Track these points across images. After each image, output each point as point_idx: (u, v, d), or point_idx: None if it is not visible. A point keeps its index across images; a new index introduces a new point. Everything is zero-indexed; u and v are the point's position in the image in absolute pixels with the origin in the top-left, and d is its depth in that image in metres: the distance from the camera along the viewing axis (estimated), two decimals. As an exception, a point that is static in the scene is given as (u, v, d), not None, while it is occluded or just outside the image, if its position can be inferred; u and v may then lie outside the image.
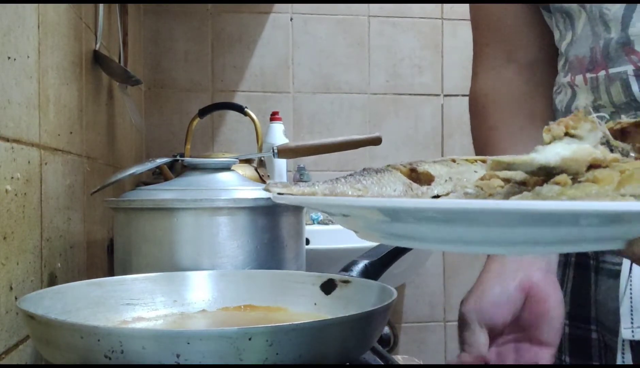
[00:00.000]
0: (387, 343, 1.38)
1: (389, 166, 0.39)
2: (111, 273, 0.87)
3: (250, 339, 0.42)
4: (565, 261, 0.70)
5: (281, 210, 0.76)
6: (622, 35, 0.55)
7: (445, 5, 1.90)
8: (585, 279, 0.67)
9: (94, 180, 0.97)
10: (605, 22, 0.56)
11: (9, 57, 0.62)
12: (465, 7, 2.04)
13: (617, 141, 0.33)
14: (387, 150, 1.85)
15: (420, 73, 1.89)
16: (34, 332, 0.49)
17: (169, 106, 1.77)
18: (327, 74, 1.84)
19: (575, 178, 0.30)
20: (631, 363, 0.60)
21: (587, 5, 0.58)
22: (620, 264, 0.62)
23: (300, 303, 0.66)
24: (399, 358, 1.34)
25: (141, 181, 1.42)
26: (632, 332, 0.59)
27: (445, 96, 1.90)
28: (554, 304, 0.58)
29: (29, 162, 0.67)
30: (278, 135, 1.63)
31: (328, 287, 0.65)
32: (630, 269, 0.60)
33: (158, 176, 1.42)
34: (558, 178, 0.30)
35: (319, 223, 1.75)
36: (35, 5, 0.71)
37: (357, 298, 0.62)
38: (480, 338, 0.56)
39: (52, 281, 0.74)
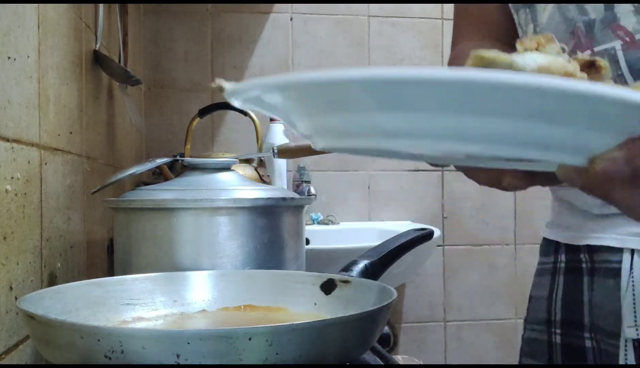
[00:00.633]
0: (387, 343, 1.38)
1: None
2: (111, 273, 0.87)
3: (250, 339, 0.42)
4: (553, 268, 0.69)
5: (281, 210, 0.76)
6: (606, 14, 0.56)
7: (445, 5, 1.90)
8: (577, 284, 0.66)
9: (94, 180, 0.97)
10: (580, 6, 0.57)
11: (9, 57, 0.62)
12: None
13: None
14: (387, 150, 1.85)
15: (420, 73, 1.88)
16: (34, 332, 0.49)
17: (169, 106, 1.77)
18: (327, 74, 1.84)
19: None
20: (634, 363, 0.59)
21: None
22: (619, 262, 0.61)
23: (300, 303, 0.66)
24: (399, 358, 1.34)
25: (141, 181, 1.42)
26: (637, 330, 0.58)
27: (445, 96, 1.90)
28: None
29: (29, 162, 0.67)
30: (278, 135, 1.63)
31: (328, 287, 0.65)
32: (632, 265, 0.59)
33: (158, 176, 1.42)
34: None
35: (319, 223, 1.75)
36: (35, 5, 0.71)
37: (357, 298, 0.62)
38: None
39: (52, 281, 0.74)
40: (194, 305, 0.67)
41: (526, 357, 0.73)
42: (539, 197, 1.95)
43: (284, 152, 0.97)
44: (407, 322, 1.89)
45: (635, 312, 0.58)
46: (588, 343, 0.64)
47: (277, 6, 1.81)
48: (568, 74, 0.31)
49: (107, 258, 1.06)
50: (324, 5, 1.84)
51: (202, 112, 1.46)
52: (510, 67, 0.31)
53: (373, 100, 0.30)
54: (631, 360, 0.59)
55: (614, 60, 0.56)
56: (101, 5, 1.02)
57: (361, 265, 0.74)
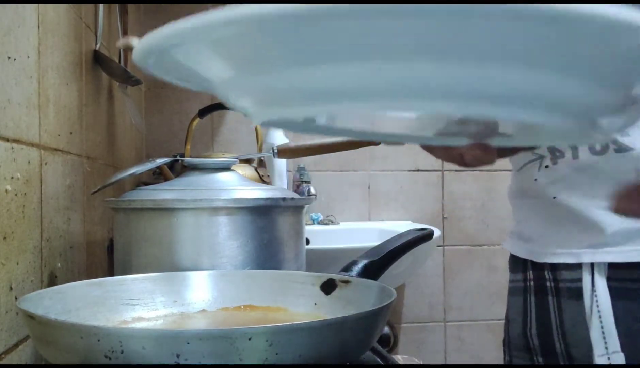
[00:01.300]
0: (387, 343, 1.38)
1: None
2: (111, 273, 0.87)
3: (250, 339, 0.42)
4: (524, 286, 0.64)
5: (281, 210, 0.76)
6: None
7: (445, 5, 1.90)
8: (545, 306, 0.61)
9: (94, 180, 0.97)
10: None
11: (9, 57, 0.62)
12: (465, 7, 2.04)
13: None
14: (387, 150, 1.85)
15: (420, 73, 1.89)
16: (34, 332, 0.49)
17: (169, 106, 1.77)
18: (327, 74, 1.84)
19: None
20: None
21: None
22: (579, 280, 0.56)
23: (300, 303, 0.66)
24: (399, 358, 1.34)
25: (141, 181, 1.42)
26: (608, 357, 0.53)
27: (445, 96, 1.90)
28: None
29: (29, 162, 0.67)
30: (278, 135, 1.63)
31: (328, 287, 0.65)
32: (593, 283, 0.54)
33: (158, 176, 1.42)
34: None
35: (319, 223, 1.75)
36: (35, 5, 0.71)
37: (357, 298, 0.62)
38: None
39: (52, 281, 0.74)
40: (194, 305, 0.67)
41: None
42: (539, 197, 1.95)
43: (284, 152, 0.97)
44: (407, 322, 1.89)
45: (604, 339, 0.54)
46: None
47: (277, 6, 1.81)
48: None
49: (107, 258, 1.06)
50: (324, 5, 1.83)
51: (202, 112, 1.46)
52: None
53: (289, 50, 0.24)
54: None
55: None
56: (101, 5, 1.02)
57: (361, 265, 0.74)
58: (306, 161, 1.75)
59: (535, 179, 0.62)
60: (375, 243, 0.81)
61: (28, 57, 0.67)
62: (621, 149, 0.51)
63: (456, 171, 1.90)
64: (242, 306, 0.67)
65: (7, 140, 0.61)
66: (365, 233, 1.67)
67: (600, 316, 0.53)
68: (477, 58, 0.22)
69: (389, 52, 0.22)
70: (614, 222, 0.53)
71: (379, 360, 0.61)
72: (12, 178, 0.62)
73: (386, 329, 1.36)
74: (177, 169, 1.38)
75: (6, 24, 0.61)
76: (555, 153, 0.57)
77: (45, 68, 0.74)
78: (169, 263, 0.71)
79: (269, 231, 0.74)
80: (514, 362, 0.68)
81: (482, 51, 0.22)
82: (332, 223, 1.76)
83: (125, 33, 1.22)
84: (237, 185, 0.78)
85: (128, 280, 0.66)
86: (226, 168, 0.81)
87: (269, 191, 0.78)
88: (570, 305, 0.58)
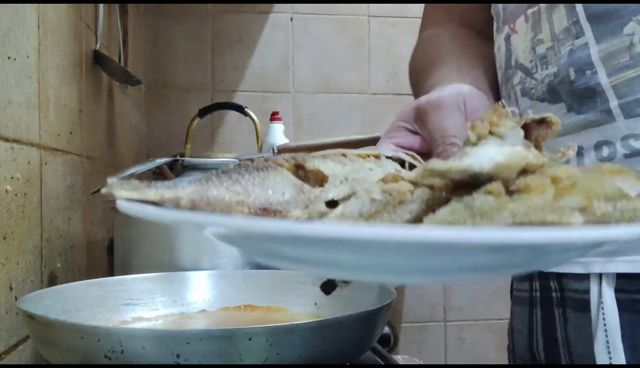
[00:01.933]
0: (387, 343, 1.38)
1: (269, 160, 0.32)
2: (111, 273, 0.87)
3: (250, 339, 0.42)
4: (530, 297, 0.61)
5: (281, 210, 0.76)
6: None
7: (445, 5, 1.90)
8: (551, 318, 0.58)
9: (94, 180, 0.97)
10: None
11: (9, 57, 0.62)
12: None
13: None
14: (387, 150, 1.85)
15: (420, 73, 1.89)
16: (34, 332, 0.49)
17: (169, 106, 1.77)
18: (327, 74, 1.84)
19: (506, 185, 0.27)
20: None
21: None
22: (586, 291, 0.53)
23: (300, 303, 0.66)
24: (399, 358, 1.34)
25: (141, 181, 1.41)
26: None
27: (445, 96, 1.90)
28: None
29: (29, 162, 0.67)
30: (278, 135, 1.63)
31: (328, 287, 0.65)
32: (600, 296, 0.52)
33: (158, 176, 1.42)
34: (491, 187, 0.27)
35: (319, 223, 1.75)
36: (35, 5, 0.71)
37: (357, 298, 0.62)
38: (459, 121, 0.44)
39: (52, 281, 0.74)
40: (194, 305, 0.67)
41: None
42: (539, 197, 1.95)
43: (284, 152, 0.97)
44: (407, 322, 1.89)
45: (609, 353, 0.51)
46: None
47: (277, 6, 1.81)
48: (529, 166, 0.28)
49: (107, 258, 1.06)
50: (324, 5, 1.84)
51: (202, 112, 1.46)
52: (466, 172, 0.27)
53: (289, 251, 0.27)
54: None
55: (569, 7, 0.51)
56: (101, 5, 1.02)
57: (361, 265, 0.73)
58: (306, 161, 1.75)
59: None
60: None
61: (28, 57, 0.67)
62: (632, 153, 0.49)
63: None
64: (242, 306, 0.67)
65: (7, 140, 0.61)
66: (365, 233, 1.67)
67: (606, 330, 0.52)
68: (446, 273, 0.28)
69: (375, 269, 0.27)
70: None
71: (379, 360, 0.61)
72: (12, 178, 0.62)
73: (386, 329, 1.36)
74: (177, 169, 1.38)
75: (6, 24, 0.61)
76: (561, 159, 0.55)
77: (45, 68, 0.74)
78: (169, 263, 0.71)
79: (269, 231, 0.74)
80: None
81: (454, 269, 0.27)
82: (332, 223, 1.76)
83: (125, 33, 1.22)
84: (237, 185, 0.78)
85: (128, 280, 0.66)
86: (226, 168, 0.81)
87: (269, 191, 0.78)
88: (575, 317, 0.55)
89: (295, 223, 0.27)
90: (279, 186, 0.30)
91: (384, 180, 0.31)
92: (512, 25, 0.58)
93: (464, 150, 0.28)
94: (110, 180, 0.27)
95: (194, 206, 0.27)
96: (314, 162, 0.33)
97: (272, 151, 0.94)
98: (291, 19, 1.82)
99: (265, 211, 0.29)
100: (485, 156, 0.27)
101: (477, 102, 0.46)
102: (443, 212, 0.27)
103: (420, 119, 0.45)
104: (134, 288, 0.65)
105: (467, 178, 0.27)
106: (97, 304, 0.62)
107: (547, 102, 0.54)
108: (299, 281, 0.68)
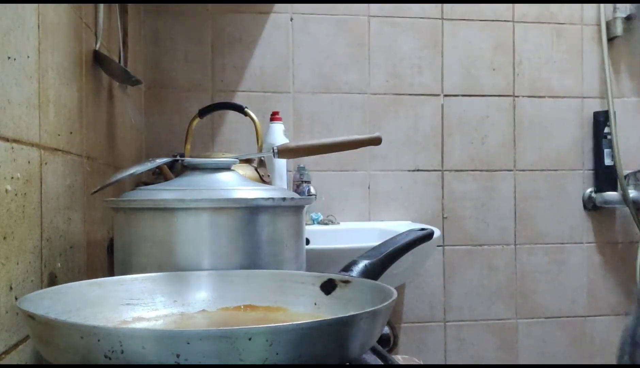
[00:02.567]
0: (387, 343, 1.38)
1: None
2: (111, 273, 0.87)
3: (250, 339, 0.42)
4: None
5: (281, 210, 0.76)
6: None
7: (445, 5, 1.90)
8: None
9: (94, 180, 0.97)
10: None
11: (9, 57, 0.62)
12: (465, 7, 2.04)
13: None
14: (387, 150, 1.85)
15: (420, 73, 1.89)
16: (34, 332, 0.49)
17: (169, 106, 1.77)
18: (327, 74, 1.84)
19: None
20: None
21: None
22: None
23: (300, 303, 0.66)
24: (399, 358, 1.34)
25: (141, 181, 1.42)
26: None
27: (445, 96, 1.90)
28: None
29: (29, 162, 0.67)
30: (278, 135, 1.63)
31: (328, 287, 0.65)
32: None
33: (158, 176, 1.42)
34: None
35: (319, 223, 1.75)
36: (35, 5, 0.71)
37: (357, 298, 0.62)
38: None
39: (52, 281, 0.74)
40: (194, 305, 0.67)
41: None
42: (539, 198, 1.95)
43: (284, 152, 0.97)
44: (407, 322, 1.89)
45: None
46: None
47: (277, 6, 1.81)
48: None
49: (107, 258, 1.06)
50: (324, 5, 1.84)
51: (202, 112, 1.46)
52: None
53: None
54: None
55: None
56: (101, 5, 1.02)
57: (361, 265, 0.73)
58: (306, 161, 1.75)
59: None
60: (375, 243, 0.81)
61: (28, 57, 0.67)
62: None
63: (456, 171, 1.90)
64: (242, 306, 0.67)
65: (7, 140, 0.61)
66: (365, 233, 1.67)
67: None
68: None
69: None
70: None
71: (379, 360, 0.61)
72: (12, 178, 0.62)
73: (386, 329, 1.36)
74: (177, 169, 1.38)
75: (6, 24, 0.61)
76: None
77: (45, 68, 0.74)
78: (169, 263, 0.71)
79: (269, 231, 0.74)
80: None
81: None
82: (332, 223, 1.76)
83: (125, 33, 1.22)
84: (237, 185, 0.78)
85: (128, 280, 0.66)
86: (226, 168, 0.81)
87: (269, 191, 0.78)
88: None
89: None
90: None
91: None
92: None
93: None
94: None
95: None
96: None
97: (272, 151, 0.94)
98: (291, 19, 1.82)
99: None
100: None
101: None
102: None
103: None
104: (134, 288, 0.65)
105: None
106: (97, 304, 0.62)
107: None
108: (299, 281, 0.68)
